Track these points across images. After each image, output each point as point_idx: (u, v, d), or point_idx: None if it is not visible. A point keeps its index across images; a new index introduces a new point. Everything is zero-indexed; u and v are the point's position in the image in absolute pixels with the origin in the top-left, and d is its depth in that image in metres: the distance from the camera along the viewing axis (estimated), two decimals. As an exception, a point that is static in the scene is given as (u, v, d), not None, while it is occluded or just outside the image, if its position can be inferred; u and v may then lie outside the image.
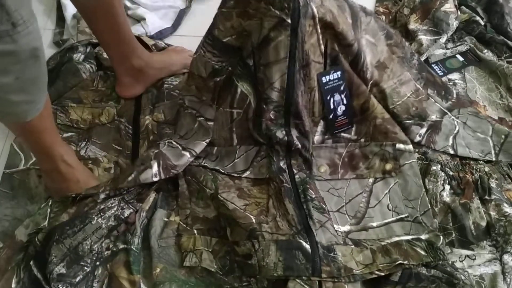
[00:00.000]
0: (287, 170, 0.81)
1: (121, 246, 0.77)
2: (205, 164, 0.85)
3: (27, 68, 0.60)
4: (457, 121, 0.93)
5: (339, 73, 0.82)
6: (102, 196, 0.79)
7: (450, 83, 1.06)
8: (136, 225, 0.78)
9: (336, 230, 0.77)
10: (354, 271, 0.72)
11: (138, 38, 1.05)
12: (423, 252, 0.75)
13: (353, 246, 0.75)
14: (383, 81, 0.87)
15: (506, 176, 0.88)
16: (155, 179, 0.80)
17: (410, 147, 0.86)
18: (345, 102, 0.85)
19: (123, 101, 0.99)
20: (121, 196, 0.81)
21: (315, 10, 0.74)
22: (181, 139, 0.85)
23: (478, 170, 0.88)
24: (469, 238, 0.80)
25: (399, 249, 0.75)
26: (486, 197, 0.84)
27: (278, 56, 0.75)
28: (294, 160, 0.82)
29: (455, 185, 0.87)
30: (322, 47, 0.79)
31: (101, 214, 0.77)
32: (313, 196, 0.79)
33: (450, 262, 0.76)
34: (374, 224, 0.80)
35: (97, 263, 0.75)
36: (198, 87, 0.83)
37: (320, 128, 0.86)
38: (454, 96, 0.97)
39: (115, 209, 0.78)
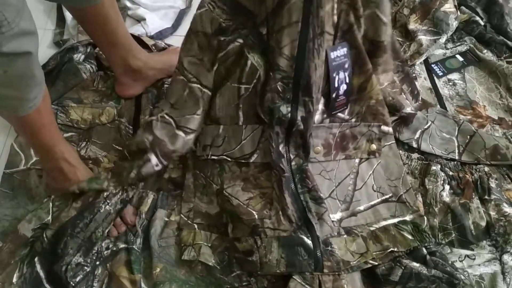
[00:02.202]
0: (285, 155, 0.79)
1: (121, 246, 0.78)
2: (213, 157, 0.82)
3: (15, 64, 0.60)
4: (428, 119, 0.94)
5: (345, 49, 0.78)
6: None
7: (450, 83, 1.06)
8: (136, 227, 0.79)
9: (332, 221, 0.77)
10: (351, 263, 0.72)
11: (138, 39, 1.06)
12: (410, 237, 0.76)
13: (345, 236, 0.76)
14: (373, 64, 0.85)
15: (506, 176, 0.88)
16: (157, 168, 0.80)
17: (391, 129, 0.87)
18: (347, 80, 0.81)
19: (123, 101, 0.99)
20: None
21: None
22: (172, 110, 0.82)
23: (477, 170, 0.88)
24: (469, 238, 0.80)
25: (388, 235, 0.76)
26: (486, 197, 0.84)
27: (290, 20, 0.69)
28: (292, 142, 0.80)
29: (455, 185, 0.87)
30: (335, 17, 0.73)
31: (108, 201, 0.77)
32: (310, 186, 0.78)
33: (450, 262, 0.76)
34: (362, 208, 0.81)
35: (97, 262, 0.75)
36: (200, 45, 0.78)
37: (320, 106, 0.82)
38: (420, 99, 0.98)
39: (119, 194, 0.79)
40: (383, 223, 0.79)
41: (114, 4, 0.86)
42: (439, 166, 0.88)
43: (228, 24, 0.74)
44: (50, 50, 1.10)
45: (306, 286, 0.70)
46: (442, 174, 0.87)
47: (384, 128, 0.86)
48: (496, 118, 1.00)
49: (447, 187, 0.86)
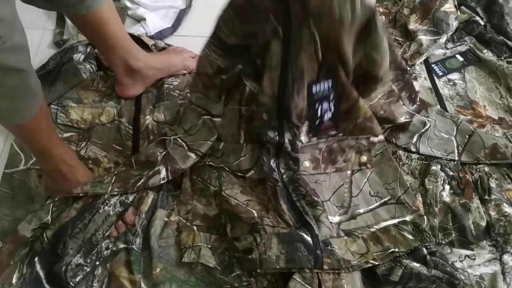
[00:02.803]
0: (276, 170, 0.81)
1: (121, 246, 0.78)
2: (210, 163, 0.85)
3: (9, 79, 0.60)
4: (428, 120, 0.94)
5: (330, 82, 0.79)
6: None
7: (450, 83, 1.06)
8: (136, 227, 0.79)
9: (330, 222, 0.78)
10: (352, 262, 0.73)
11: (138, 38, 1.06)
12: (410, 237, 0.76)
13: (346, 237, 0.77)
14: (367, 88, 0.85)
15: (506, 176, 0.88)
16: (163, 182, 0.81)
17: (381, 137, 0.87)
18: (332, 109, 0.83)
19: (123, 101, 0.99)
20: None
21: (314, 31, 0.70)
22: (186, 135, 0.85)
23: (478, 170, 0.88)
24: (469, 238, 0.80)
25: (388, 235, 0.77)
26: (486, 197, 0.84)
27: (271, 63, 0.73)
28: (282, 158, 0.82)
29: (455, 185, 0.87)
30: (320, 57, 0.75)
31: (106, 202, 0.77)
32: (304, 192, 0.79)
33: (450, 262, 0.76)
34: (361, 211, 0.82)
35: (97, 262, 0.75)
36: (204, 84, 0.82)
37: (305, 128, 0.84)
38: (418, 100, 0.97)
39: (119, 195, 0.78)
40: (383, 224, 0.79)
41: (113, 8, 0.87)
42: (439, 166, 0.88)
43: (227, 65, 0.77)
44: (50, 50, 1.10)
45: (306, 285, 0.70)
46: (442, 174, 0.87)
47: (373, 139, 0.86)
48: (496, 118, 1.00)
49: (447, 187, 0.86)
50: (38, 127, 0.73)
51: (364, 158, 0.86)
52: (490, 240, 0.80)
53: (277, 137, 0.80)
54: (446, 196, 0.84)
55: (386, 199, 0.83)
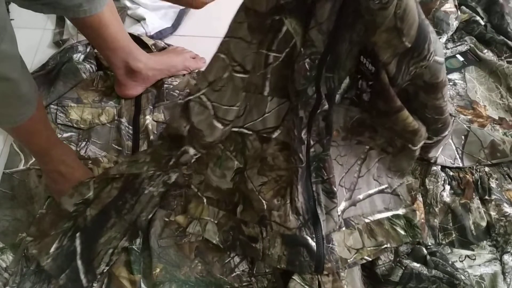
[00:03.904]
0: (305, 142, 0.73)
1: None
2: (234, 129, 0.77)
3: None
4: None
5: (373, 69, 0.66)
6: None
7: (451, 83, 1.06)
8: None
9: (338, 215, 0.77)
10: (348, 260, 0.73)
11: (138, 38, 1.06)
12: (402, 232, 0.77)
13: (344, 229, 0.77)
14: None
15: (506, 176, 0.88)
16: (195, 157, 0.78)
17: (417, 150, 0.81)
18: (368, 94, 0.70)
19: (123, 101, 0.99)
20: None
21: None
22: (210, 91, 0.71)
23: (478, 170, 0.88)
24: (469, 238, 0.80)
25: (381, 229, 0.77)
26: (486, 197, 0.84)
27: None
28: (314, 127, 0.72)
29: (455, 185, 0.87)
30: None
31: (151, 182, 0.77)
32: (325, 177, 0.76)
33: (450, 262, 0.76)
34: (361, 197, 0.81)
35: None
36: (251, 25, 0.64)
37: (343, 85, 0.72)
38: None
39: (161, 176, 0.78)
40: (378, 216, 0.79)
41: (114, 10, 0.86)
42: (440, 166, 0.88)
43: (287, 2, 0.61)
44: (49, 50, 1.10)
45: (306, 286, 0.70)
46: (443, 174, 0.87)
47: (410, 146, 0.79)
48: (497, 118, 1.00)
49: (447, 187, 0.86)
50: (34, 129, 0.73)
51: (390, 149, 0.81)
52: (491, 240, 0.80)
53: (315, 94, 0.68)
54: (446, 196, 0.84)
55: (383, 186, 0.82)
